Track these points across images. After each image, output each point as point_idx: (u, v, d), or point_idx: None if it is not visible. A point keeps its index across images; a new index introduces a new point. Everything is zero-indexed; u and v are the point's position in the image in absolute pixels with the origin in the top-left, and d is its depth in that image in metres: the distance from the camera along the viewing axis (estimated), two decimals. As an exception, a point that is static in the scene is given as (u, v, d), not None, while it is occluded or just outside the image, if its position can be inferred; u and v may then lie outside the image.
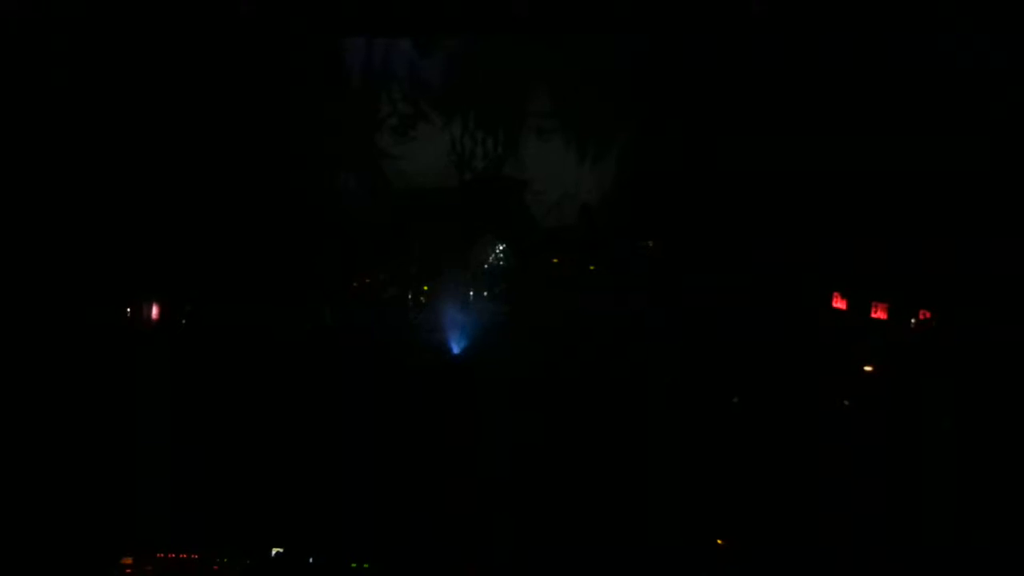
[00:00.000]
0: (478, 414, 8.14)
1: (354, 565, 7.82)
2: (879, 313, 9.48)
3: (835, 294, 9.57)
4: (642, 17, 8.97)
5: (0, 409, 8.12)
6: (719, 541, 7.98)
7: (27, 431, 8.11)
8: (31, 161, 8.88)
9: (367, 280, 9.64)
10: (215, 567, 7.77)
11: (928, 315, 9.42)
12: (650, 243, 9.79)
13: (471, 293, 9.71)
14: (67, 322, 8.76)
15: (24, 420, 8.16)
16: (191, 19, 9.19)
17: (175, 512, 7.80)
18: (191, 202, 9.27)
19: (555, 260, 9.80)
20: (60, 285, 8.86)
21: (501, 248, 9.90)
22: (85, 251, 8.96)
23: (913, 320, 9.44)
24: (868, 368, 9.07)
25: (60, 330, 8.72)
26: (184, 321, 9.19)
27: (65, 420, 8.19)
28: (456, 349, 9.12)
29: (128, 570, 7.66)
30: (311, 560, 7.81)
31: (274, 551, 7.93)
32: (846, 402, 9.13)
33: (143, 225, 9.11)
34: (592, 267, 9.78)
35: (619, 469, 8.02)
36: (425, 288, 9.68)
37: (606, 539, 7.58)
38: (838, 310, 9.54)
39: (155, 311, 9.18)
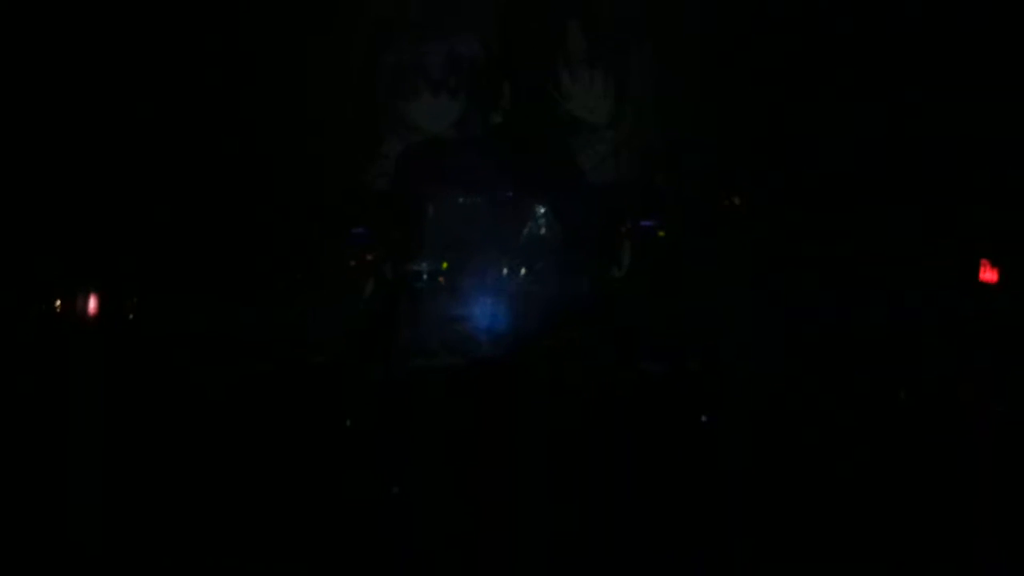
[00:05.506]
0: (516, 441, 5.98)
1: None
2: (1036, 284, 7.19)
3: (984, 262, 7.40)
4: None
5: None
6: None
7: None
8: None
9: (368, 257, 7.54)
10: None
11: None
12: (736, 200, 7.55)
13: (504, 271, 7.54)
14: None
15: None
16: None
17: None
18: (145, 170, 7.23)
19: (622, 228, 7.57)
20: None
21: (541, 212, 7.76)
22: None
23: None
24: None
25: None
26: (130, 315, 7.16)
27: None
28: (485, 349, 6.99)
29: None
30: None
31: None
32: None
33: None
34: (662, 233, 7.56)
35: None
36: (444, 266, 7.55)
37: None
38: (987, 283, 7.40)
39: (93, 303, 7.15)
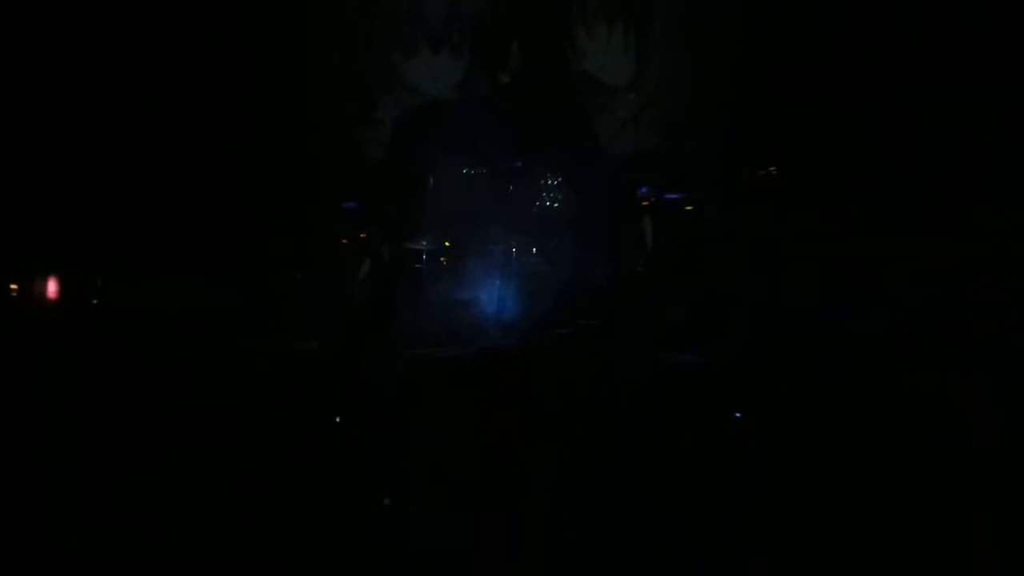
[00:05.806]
0: (526, 446, 5.41)
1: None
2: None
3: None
4: None
5: None
6: None
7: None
8: None
9: (362, 235, 6.97)
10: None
11: None
12: (772, 170, 6.92)
13: (513, 250, 7.05)
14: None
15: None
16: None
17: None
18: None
19: (645, 203, 6.99)
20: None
21: (554, 183, 7.22)
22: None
23: None
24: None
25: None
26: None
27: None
28: (492, 338, 6.47)
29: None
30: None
31: None
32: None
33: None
34: (689, 207, 6.94)
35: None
36: (446, 244, 7.04)
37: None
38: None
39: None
